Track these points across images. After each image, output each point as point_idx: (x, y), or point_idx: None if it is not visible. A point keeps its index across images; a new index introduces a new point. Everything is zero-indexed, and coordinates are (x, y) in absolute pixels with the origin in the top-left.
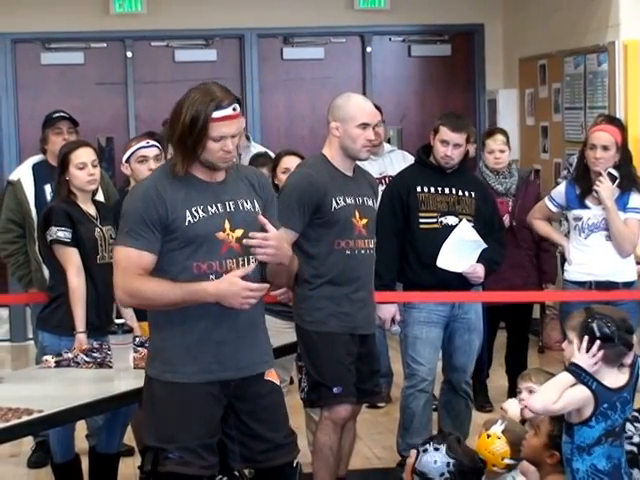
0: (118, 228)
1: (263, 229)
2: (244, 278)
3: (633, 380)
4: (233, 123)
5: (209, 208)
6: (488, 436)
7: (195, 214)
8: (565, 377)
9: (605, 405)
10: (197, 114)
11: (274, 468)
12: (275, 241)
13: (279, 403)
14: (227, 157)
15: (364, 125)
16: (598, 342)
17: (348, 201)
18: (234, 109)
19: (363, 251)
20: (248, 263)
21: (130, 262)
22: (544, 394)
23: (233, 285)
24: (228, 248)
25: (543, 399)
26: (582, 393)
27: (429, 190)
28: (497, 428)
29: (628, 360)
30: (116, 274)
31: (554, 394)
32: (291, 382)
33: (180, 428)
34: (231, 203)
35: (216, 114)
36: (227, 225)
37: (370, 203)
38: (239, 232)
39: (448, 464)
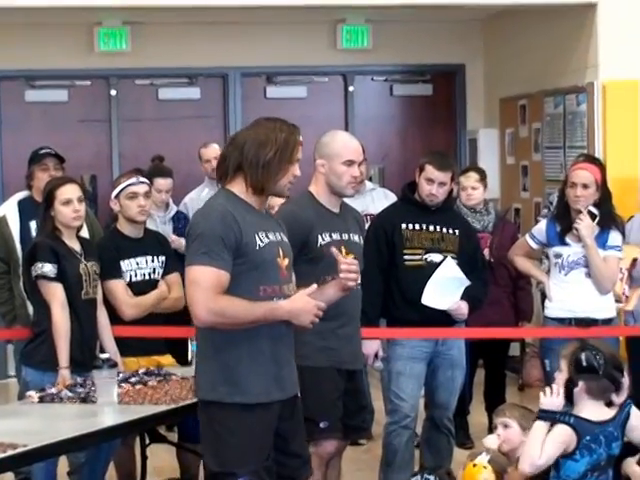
0: (103, 262)
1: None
2: None
3: (621, 417)
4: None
5: (269, 235)
6: (474, 465)
7: (263, 239)
8: (539, 426)
9: (588, 438)
10: (287, 138)
11: None
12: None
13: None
14: (293, 182)
15: (349, 162)
16: (560, 375)
17: (334, 237)
18: None
19: None
20: (291, 290)
21: (213, 281)
22: (527, 453)
23: (308, 303)
24: (283, 274)
25: (528, 459)
26: (563, 432)
27: (414, 227)
28: (483, 458)
29: (618, 400)
30: (195, 293)
31: (536, 449)
32: None
33: (249, 451)
34: (277, 234)
35: (300, 139)
36: (281, 253)
37: (356, 239)
38: (286, 261)
39: None
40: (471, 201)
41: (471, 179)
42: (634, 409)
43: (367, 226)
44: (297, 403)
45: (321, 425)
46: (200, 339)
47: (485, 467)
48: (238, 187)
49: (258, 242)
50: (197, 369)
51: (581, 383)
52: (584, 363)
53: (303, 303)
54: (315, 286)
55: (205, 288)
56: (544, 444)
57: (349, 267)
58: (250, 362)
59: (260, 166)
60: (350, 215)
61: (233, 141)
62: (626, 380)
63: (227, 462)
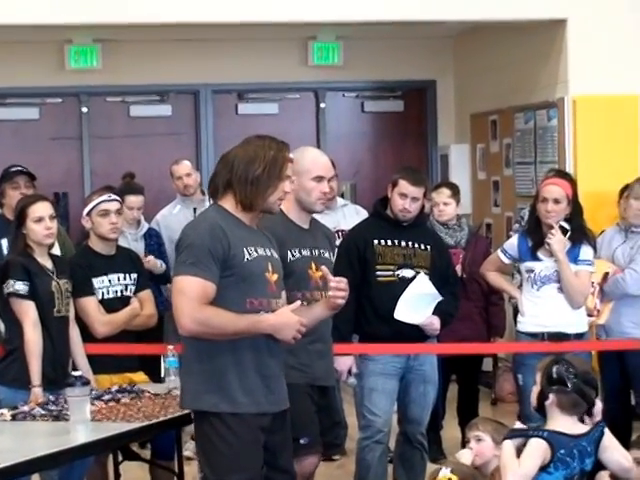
0: (75, 279)
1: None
2: None
3: (595, 434)
4: (292, 166)
5: (258, 249)
6: None
7: (251, 252)
8: (507, 445)
9: (562, 451)
10: (275, 155)
11: None
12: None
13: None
14: (284, 198)
15: (319, 178)
16: (535, 389)
17: (304, 253)
18: None
19: None
20: (279, 305)
21: (199, 291)
22: (507, 472)
23: (291, 319)
24: (272, 289)
25: (511, 476)
26: (537, 445)
27: (386, 243)
28: (445, 471)
29: (593, 418)
30: (181, 302)
31: (513, 464)
32: None
33: (241, 459)
34: (267, 250)
35: (289, 156)
36: (270, 268)
37: (327, 255)
38: (275, 276)
39: None
40: (443, 217)
41: (443, 195)
42: (607, 431)
43: (339, 242)
44: (286, 418)
45: (302, 441)
46: (184, 348)
47: (450, 478)
48: (228, 203)
49: (246, 255)
50: (181, 378)
51: (551, 396)
52: (554, 376)
53: (286, 318)
54: (299, 302)
55: (191, 298)
56: (521, 460)
57: (338, 285)
58: (235, 372)
59: (249, 182)
60: (320, 231)
61: (223, 159)
62: (599, 405)
63: (220, 470)
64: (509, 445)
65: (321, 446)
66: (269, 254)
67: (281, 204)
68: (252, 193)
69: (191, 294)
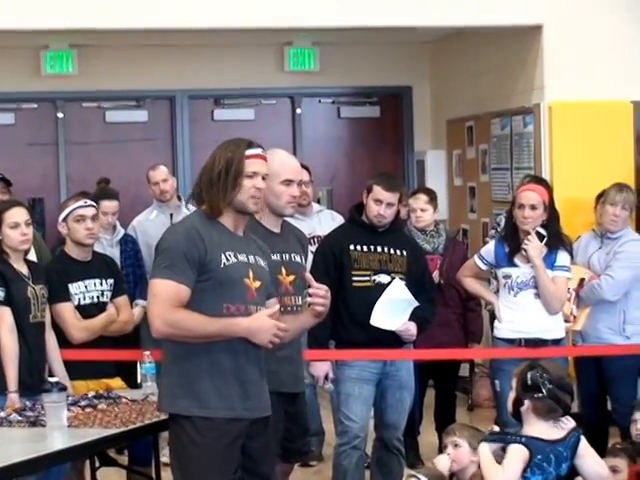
0: (51, 285)
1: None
2: None
3: (571, 440)
4: (263, 163)
5: (238, 255)
6: None
7: (229, 258)
8: (484, 449)
9: (539, 456)
10: (232, 155)
11: None
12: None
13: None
14: (259, 196)
15: (288, 181)
16: (512, 394)
17: (274, 258)
18: (262, 150)
19: (290, 308)
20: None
21: (170, 294)
22: (491, 477)
23: (266, 322)
24: (251, 295)
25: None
26: (518, 450)
27: (362, 248)
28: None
29: (565, 424)
30: (154, 305)
31: (496, 469)
32: None
33: (212, 464)
34: (251, 256)
35: (248, 152)
36: (251, 274)
37: (298, 259)
38: (257, 283)
39: None
40: (420, 223)
41: (420, 201)
42: (583, 438)
43: (315, 248)
44: (268, 424)
45: None
46: (163, 352)
47: None
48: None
49: (224, 260)
50: (160, 382)
51: (527, 402)
52: (529, 382)
53: (262, 322)
54: (277, 306)
55: (163, 299)
56: (504, 466)
57: (317, 292)
58: (210, 376)
59: (211, 186)
60: (292, 234)
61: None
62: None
63: (190, 475)
64: (486, 448)
65: (279, 455)
66: (252, 261)
67: (258, 202)
68: (215, 196)
69: (163, 296)
